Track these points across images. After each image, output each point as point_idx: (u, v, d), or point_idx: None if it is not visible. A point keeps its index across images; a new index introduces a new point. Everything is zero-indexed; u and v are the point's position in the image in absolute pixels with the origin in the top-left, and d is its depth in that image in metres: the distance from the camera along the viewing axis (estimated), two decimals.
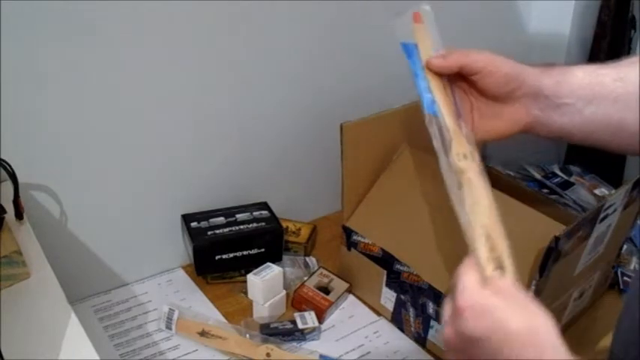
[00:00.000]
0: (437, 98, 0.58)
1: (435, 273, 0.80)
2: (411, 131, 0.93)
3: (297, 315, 0.89)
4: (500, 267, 0.48)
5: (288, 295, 0.94)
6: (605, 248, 0.84)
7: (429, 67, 0.60)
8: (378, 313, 0.94)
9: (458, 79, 0.61)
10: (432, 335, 0.85)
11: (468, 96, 0.62)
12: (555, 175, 1.24)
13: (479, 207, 0.51)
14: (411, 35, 0.62)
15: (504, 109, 0.60)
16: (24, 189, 0.75)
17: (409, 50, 0.62)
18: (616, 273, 0.99)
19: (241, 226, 0.97)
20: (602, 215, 0.73)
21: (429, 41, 0.61)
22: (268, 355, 0.82)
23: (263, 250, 0.98)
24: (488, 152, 1.13)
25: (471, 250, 0.50)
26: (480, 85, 0.59)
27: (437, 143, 0.57)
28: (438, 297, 0.81)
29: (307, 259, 1.05)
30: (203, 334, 0.86)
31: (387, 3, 1.09)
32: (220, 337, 0.85)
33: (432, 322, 0.84)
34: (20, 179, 0.73)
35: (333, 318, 0.94)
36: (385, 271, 0.89)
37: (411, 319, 0.88)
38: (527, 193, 0.96)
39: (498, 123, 0.61)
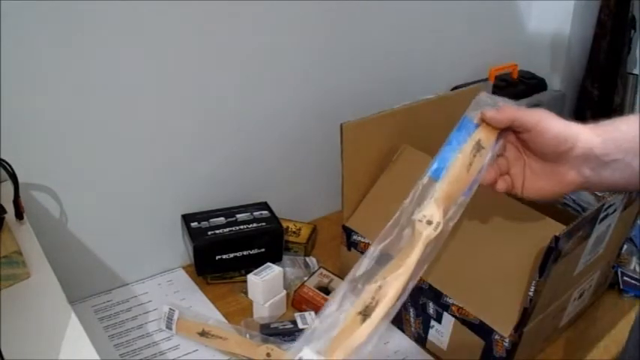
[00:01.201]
0: (451, 169, 0.59)
1: (435, 273, 0.80)
2: (411, 131, 0.93)
3: (297, 315, 0.89)
4: (366, 314, 0.50)
5: (288, 295, 0.95)
6: (605, 248, 0.84)
7: (484, 119, 0.61)
8: None
9: (511, 136, 0.63)
10: (432, 335, 0.85)
11: (521, 154, 0.63)
12: None
13: (397, 270, 0.53)
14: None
15: (556, 168, 0.61)
16: (24, 189, 0.75)
17: (466, 125, 0.62)
18: (616, 273, 1.00)
19: (241, 226, 0.97)
20: (602, 215, 0.73)
21: (494, 136, 0.62)
22: (268, 355, 0.82)
23: (263, 250, 0.98)
24: None
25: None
26: (532, 145, 0.61)
27: (411, 198, 0.58)
28: (438, 297, 0.80)
29: (307, 259, 1.05)
30: (203, 334, 0.86)
31: (387, 4, 1.09)
32: (220, 337, 0.85)
33: (432, 322, 0.84)
34: (20, 179, 0.73)
35: None
36: None
37: (411, 319, 0.88)
38: None
39: (550, 183, 0.62)
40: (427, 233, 0.55)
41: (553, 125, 0.59)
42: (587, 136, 0.58)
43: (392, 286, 0.52)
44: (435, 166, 0.59)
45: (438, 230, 0.55)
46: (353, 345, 0.49)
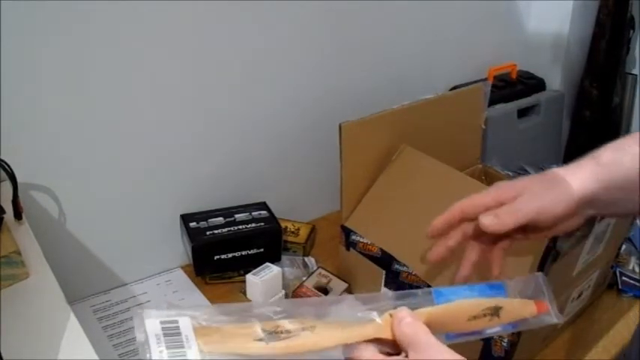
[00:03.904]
0: (454, 306, 0.51)
1: (433, 273, 0.80)
2: (410, 131, 0.93)
3: None
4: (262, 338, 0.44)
5: (286, 295, 0.94)
6: (604, 248, 0.84)
7: (482, 227, 0.57)
8: None
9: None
10: None
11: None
12: None
13: (332, 332, 0.46)
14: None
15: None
16: (23, 189, 0.75)
17: (498, 288, 0.55)
18: (615, 273, 1.00)
19: (240, 226, 0.97)
20: None
21: (515, 320, 0.54)
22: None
23: (262, 250, 0.98)
24: (487, 152, 1.14)
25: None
26: (534, 228, 0.58)
27: (405, 295, 0.50)
28: None
29: (306, 259, 1.05)
30: None
31: (387, 4, 1.09)
32: None
33: None
34: (20, 179, 0.72)
35: None
36: (384, 271, 0.89)
37: None
38: None
39: (550, 233, 0.60)
40: (382, 329, 0.47)
41: (553, 208, 0.55)
42: (587, 183, 0.55)
43: (310, 339, 0.45)
44: (444, 290, 0.52)
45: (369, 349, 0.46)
46: (231, 349, 0.43)
